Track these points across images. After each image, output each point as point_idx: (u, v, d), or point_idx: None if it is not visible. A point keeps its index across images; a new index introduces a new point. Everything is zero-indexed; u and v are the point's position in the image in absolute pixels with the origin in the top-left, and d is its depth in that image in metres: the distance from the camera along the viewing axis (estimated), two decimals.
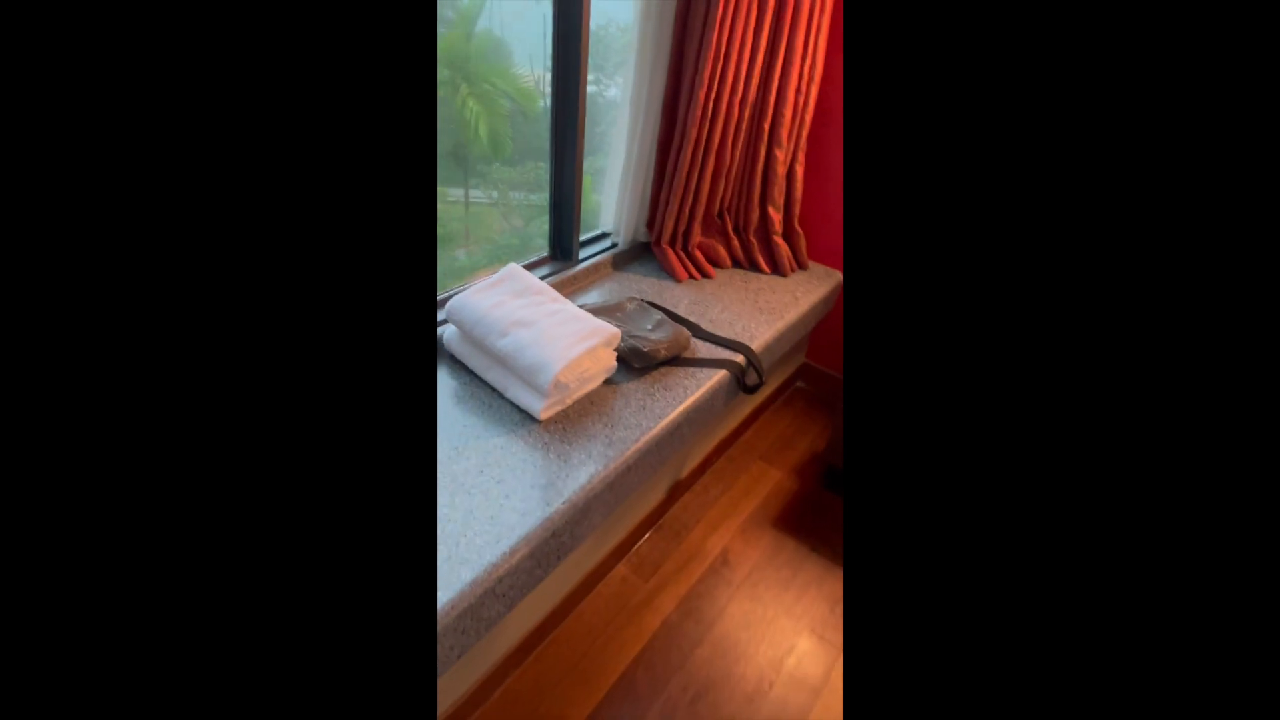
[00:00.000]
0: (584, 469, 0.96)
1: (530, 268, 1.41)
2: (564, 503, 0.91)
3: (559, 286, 1.38)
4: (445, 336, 1.15)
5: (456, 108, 2.63)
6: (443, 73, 2.54)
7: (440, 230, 2.18)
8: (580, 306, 1.18)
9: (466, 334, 1.10)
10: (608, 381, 1.14)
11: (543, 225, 1.47)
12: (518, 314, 1.08)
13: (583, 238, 1.52)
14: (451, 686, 1.10)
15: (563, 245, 1.46)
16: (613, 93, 1.54)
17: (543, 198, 1.44)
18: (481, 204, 2.65)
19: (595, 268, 1.49)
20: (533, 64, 1.77)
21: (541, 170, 1.42)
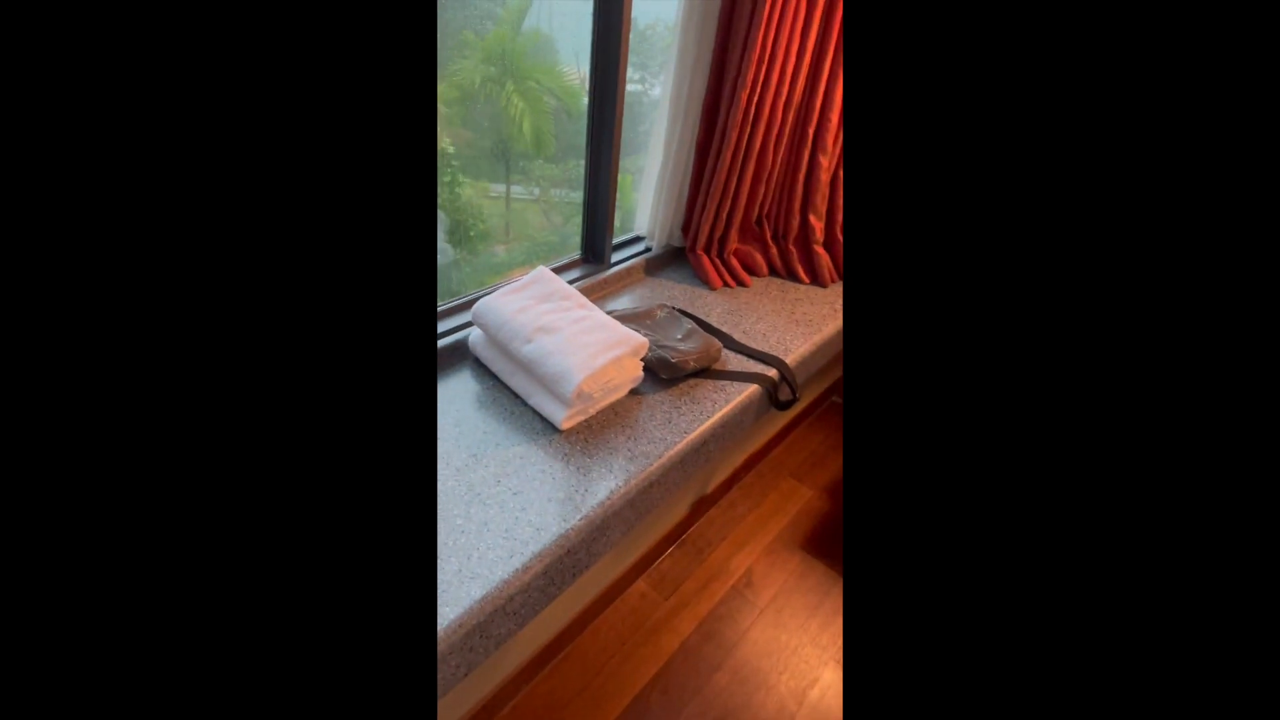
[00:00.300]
0: (604, 484, 0.92)
1: (561, 270, 1.38)
2: (581, 519, 0.87)
3: (589, 290, 1.35)
4: (471, 339, 1.13)
5: (501, 104, 2.63)
6: (488, 69, 2.55)
7: (480, 226, 2.18)
8: (609, 313, 1.15)
9: (491, 338, 1.07)
10: (633, 392, 1.10)
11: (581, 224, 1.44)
12: (543, 319, 1.05)
13: (616, 240, 1.48)
14: (455, 704, 1.07)
15: (595, 248, 1.42)
16: (657, 92, 1.50)
17: (582, 195, 1.41)
18: (523, 200, 2.64)
19: (627, 272, 1.45)
20: (579, 61, 1.75)
21: (583, 168, 1.39)
